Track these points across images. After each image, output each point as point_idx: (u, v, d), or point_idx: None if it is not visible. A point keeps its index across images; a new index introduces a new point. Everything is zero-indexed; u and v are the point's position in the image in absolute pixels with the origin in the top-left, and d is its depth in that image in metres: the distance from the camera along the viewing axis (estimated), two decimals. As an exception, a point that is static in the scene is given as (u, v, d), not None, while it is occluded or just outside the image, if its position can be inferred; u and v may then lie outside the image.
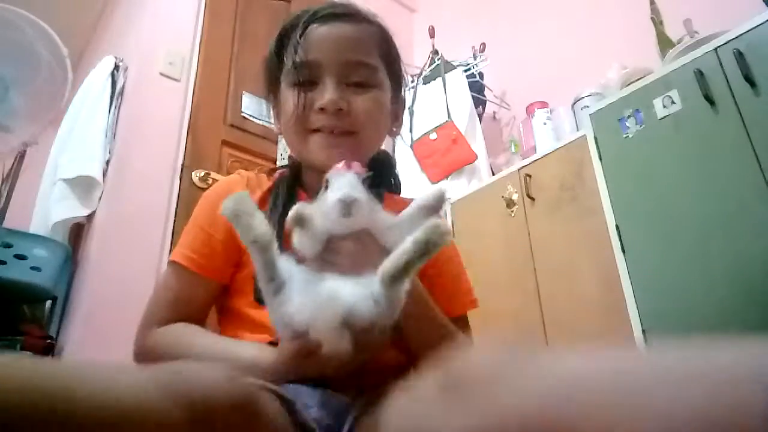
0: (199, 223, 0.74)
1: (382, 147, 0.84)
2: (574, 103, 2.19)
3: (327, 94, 0.70)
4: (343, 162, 0.57)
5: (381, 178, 0.83)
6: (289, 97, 0.73)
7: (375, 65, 0.74)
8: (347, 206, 0.53)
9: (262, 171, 0.82)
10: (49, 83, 1.65)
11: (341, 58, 0.72)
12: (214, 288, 0.72)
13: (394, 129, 0.82)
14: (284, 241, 0.66)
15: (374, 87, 0.74)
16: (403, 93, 0.82)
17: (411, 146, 2.45)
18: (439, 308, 0.72)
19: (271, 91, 0.80)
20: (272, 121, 0.83)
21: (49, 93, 1.67)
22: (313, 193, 0.74)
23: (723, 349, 0.29)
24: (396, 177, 0.89)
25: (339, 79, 0.71)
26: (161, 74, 2.18)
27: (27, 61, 1.61)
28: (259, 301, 0.67)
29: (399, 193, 0.88)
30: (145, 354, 0.68)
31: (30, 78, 1.63)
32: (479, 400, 0.33)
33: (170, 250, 1.93)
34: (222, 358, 0.61)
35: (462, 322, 0.76)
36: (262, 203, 0.74)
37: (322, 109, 0.70)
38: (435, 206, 0.57)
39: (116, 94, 2.15)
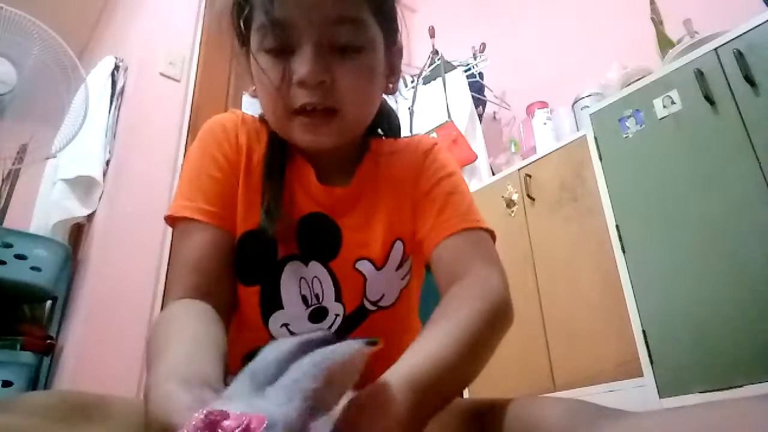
0: (205, 170, 0.64)
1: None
2: (574, 103, 2.19)
3: (305, 64, 0.57)
4: (201, 420, 0.31)
5: (373, 125, 0.72)
6: (260, 64, 0.61)
7: (362, 18, 0.60)
8: None
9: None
10: (57, 93, 1.65)
11: (320, 16, 0.57)
12: (233, 238, 0.63)
13: (390, 85, 0.69)
14: (284, 208, 0.63)
15: (362, 48, 0.60)
16: (399, 38, 0.68)
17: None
18: (430, 235, 0.65)
19: (241, 46, 0.66)
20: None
21: (58, 104, 1.68)
22: (306, 157, 0.68)
23: None
24: (391, 121, 0.78)
25: (319, 42, 0.58)
26: (161, 74, 2.18)
27: (38, 71, 1.62)
28: (243, 281, 0.64)
29: (398, 136, 0.78)
30: (151, 332, 0.57)
31: (38, 87, 1.63)
32: None
33: (170, 251, 1.93)
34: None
35: (468, 238, 0.63)
36: (256, 151, 0.67)
37: (301, 83, 0.58)
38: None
39: (116, 94, 2.15)
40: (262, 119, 0.71)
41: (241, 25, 0.63)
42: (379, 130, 0.77)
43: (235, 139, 0.68)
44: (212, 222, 0.61)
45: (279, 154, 0.67)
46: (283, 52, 0.59)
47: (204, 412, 0.31)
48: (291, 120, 0.61)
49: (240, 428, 0.30)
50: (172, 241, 1.93)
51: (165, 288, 1.84)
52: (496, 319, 0.53)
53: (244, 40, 0.65)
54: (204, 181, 0.64)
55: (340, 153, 0.68)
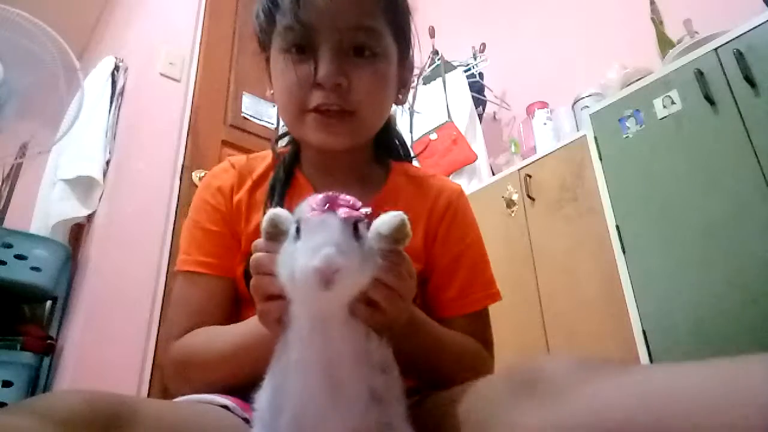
0: (201, 225, 0.69)
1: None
2: (574, 103, 2.19)
3: (324, 66, 0.61)
4: (321, 196, 0.40)
5: (385, 146, 0.77)
6: (281, 65, 0.65)
7: (379, 29, 0.64)
8: (326, 278, 0.36)
9: (253, 155, 0.76)
10: (56, 92, 1.65)
11: (340, 22, 0.61)
12: (232, 285, 0.68)
13: (400, 96, 0.73)
14: None
15: (378, 56, 0.64)
16: (411, 54, 0.73)
17: (411, 146, 2.45)
18: (453, 305, 0.69)
19: (263, 49, 0.71)
20: (271, 115, 0.78)
21: (57, 103, 1.67)
22: (312, 173, 0.71)
23: None
24: (401, 142, 0.81)
25: (338, 46, 0.62)
26: (161, 74, 2.18)
27: (37, 70, 1.62)
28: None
29: (408, 159, 0.81)
30: (172, 367, 0.65)
31: (37, 86, 1.63)
32: (558, 402, 0.35)
33: (170, 250, 1.93)
34: (233, 347, 0.57)
35: (478, 320, 0.70)
36: (252, 190, 0.70)
37: (319, 84, 0.62)
38: (397, 238, 0.43)
39: (116, 94, 2.15)
40: (275, 142, 0.75)
41: (265, 27, 0.68)
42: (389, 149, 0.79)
43: (230, 198, 0.70)
44: (207, 272, 0.66)
45: (282, 177, 0.70)
46: (303, 53, 0.63)
47: (323, 194, 0.41)
48: (305, 118, 0.65)
49: (351, 202, 0.40)
50: (171, 245, 1.94)
51: (161, 329, 1.79)
52: (475, 368, 0.65)
53: (265, 43, 0.69)
54: (198, 235, 0.69)
55: (347, 167, 0.71)
